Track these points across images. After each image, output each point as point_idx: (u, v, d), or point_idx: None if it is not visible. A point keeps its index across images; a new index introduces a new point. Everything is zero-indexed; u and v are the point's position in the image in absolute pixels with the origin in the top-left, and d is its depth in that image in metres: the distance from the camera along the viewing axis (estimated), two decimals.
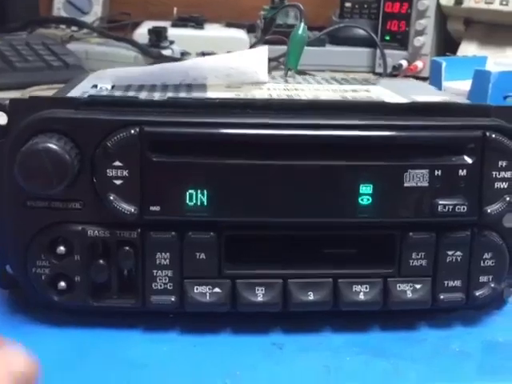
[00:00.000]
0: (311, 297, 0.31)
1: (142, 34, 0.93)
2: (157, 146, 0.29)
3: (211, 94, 0.34)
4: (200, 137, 0.29)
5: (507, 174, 0.30)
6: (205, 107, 0.30)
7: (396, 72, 0.91)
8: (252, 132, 0.29)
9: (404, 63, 0.91)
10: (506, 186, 0.31)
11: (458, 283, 0.32)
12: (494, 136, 0.30)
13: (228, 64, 0.37)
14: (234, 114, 0.30)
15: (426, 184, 0.30)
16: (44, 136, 0.28)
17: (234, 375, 0.28)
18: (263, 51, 0.37)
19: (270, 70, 0.40)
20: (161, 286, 0.30)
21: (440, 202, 0.30)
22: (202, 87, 0.37)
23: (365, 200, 0.30)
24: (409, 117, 0.31)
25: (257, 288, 0.31)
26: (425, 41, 0.92)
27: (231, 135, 0.29)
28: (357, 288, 0.31)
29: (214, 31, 1.02)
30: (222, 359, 0.30)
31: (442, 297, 0.32)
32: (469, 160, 0.30)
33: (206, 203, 0.29)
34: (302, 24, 0.43)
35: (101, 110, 0.29)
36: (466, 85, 0.61)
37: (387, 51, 0.89)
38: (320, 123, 0.30)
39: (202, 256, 0.30)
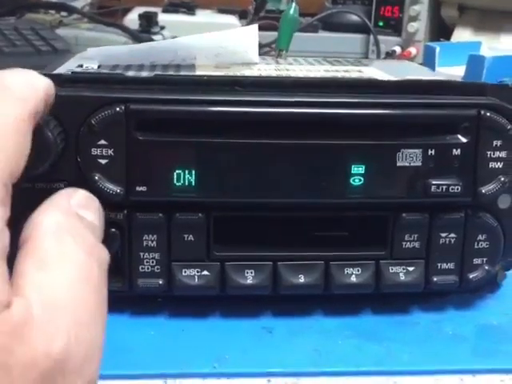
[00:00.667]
0: (302, 279, 0.30)
1: (132, 19, 0.91)
2: (143, 124, 0.28)
3: (200, 74, 0.33)
4: (187, 115, 0.28)
5: (502, 154, 0.30)
6: (192, 84, 0.29)
7: (389, 58, 0.90)
8: (241, 110, 0.29)
9: (397, 49, 0.90)
10: (500, 166, 0.30)
11: (451, 265, 0.31)
12: (488, 115, 0.29)
13: (218, 43, 0.36)
14: (222, 91, 0.29)
15: (419, 164, 0.29)
16: None
17: (223, 359, 0.28)
18: (253, 30, 0.36)
19: (262, 55, 0.39)
20: (148, 268, 0.30)
21: (433, 182, 0.30)
22: (191, 67, 0.36)
23: (356, 180, 0.29)
24: (402, 95, 0.30)
25: (246, 270, 0.30)
26: (418, 27, 0.91)
27: (219, 113, 0.28)
28: (348, 270, 0.31)
29: (205, 17, 1.01)
30: (210, 343, 0.29)
31: (435, 279, 0.31)
32: (463, 139, 0.30)
33: (193, 183, 0.29)
34: (294, 4, 0.42)
35: (85, 87, 0.28)
36: (459, 70, 0.60)
37: (380, 37, 0.88)
38: (310, 101, 0.29)
39: (190, 238, 0.29)
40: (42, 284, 0.18)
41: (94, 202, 0.23)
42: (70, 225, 0.21)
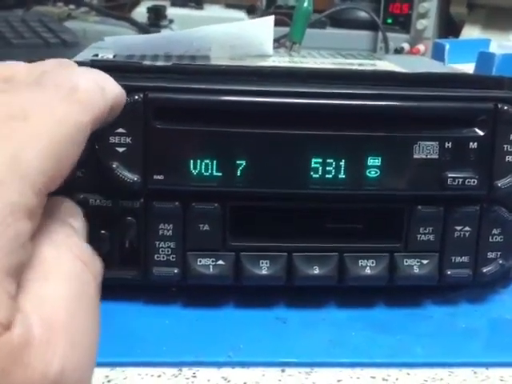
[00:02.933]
0: (316, 271, 0.30)
1: (140, 12, 0.91)
2: (161, 112, 0.28)
3: (217, 64, 0.33)
4: (205, 104, 0.28)
5: None
6: (211, 74, 0.29)
7: (400, 54, 0.90)
8: (258, 100, 0.29)
9: (406, 46, 0.90)
10: None
11: (465, 259, 0.31)
12: (506, 108, 0.29)
13: (233, 34, 0.36)
14: (239, 81, 0.29)
15: (435, 156, 0.29)
16: None
17: (237, 348, 0.28)
18: (269, 22, 0.36)
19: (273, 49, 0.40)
20: (163, 257, 0.30)
21: (449, 175, 0.30)
22: (206, 58, 0.36)
23: (372, 172, 0.29)
24: (419, 87, 0.30)
25: (261, 261, 0.30)
26: (427, 24, 0.91)
27: (237, 103, 0.28)
28: (363, 263, 0.31)
29: (213, 12, 1.01)
30: (225, 333, 0.29)
31: (449, 273, 0.31)
32: (480, 132, 0.30)
33: (210, 173, 0.29)
34: None
35: None
36: (469, 68, 0.60)
37: (389, 34, 0.88)
38: (327, 92, 0.29)
39: (206, 227, 0.30)
40: (41, 296, 0.17)
41: (79, 210, 0.22)
42: (65, 235, 0.20)
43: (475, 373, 0.28)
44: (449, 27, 0.93)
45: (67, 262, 0.19)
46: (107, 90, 0.22)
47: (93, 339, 0.19)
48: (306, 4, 0.42)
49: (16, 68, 0.22)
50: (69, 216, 0.21)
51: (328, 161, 0.29)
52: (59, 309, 0.18)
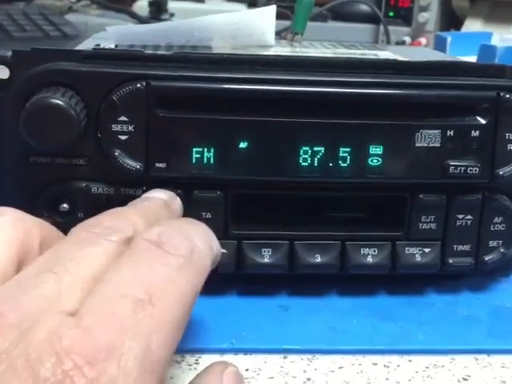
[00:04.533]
0: (318, 259, 0.30)
1: (141, 5, 0.91)
2: (163, 100, 0.28)
3: (220, 52, 0.33)
4: (208, 92, 0.28)
5: None
6: (213, 62, 0.29)
7: (402, 45, 0.89)
8: (260, 88, 0.29)
9: (407, 39, 0.90)
10: None
11: (467, 247, 0.31)
12: (508, 96, 0.29)
13: (235, 24, 0.36)
14: (242, 69, 0.29)
15: (437, 144, 0.29)
16: (49, 90, 0.27)
17: (240, 336, 0.28)
18: (271, 11, 0.36)
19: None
20: None
21: (451, 163, 0.30)
22: (207, 48, 0.36)
23: (374, 161, 0.29)
24: (421, 76, 0.30)
25: (263, 249, 0.30)
26: (429, 17, 0.90)
27: (239, 91, 0.28)
28: (365, 251, 0.31)
29: (214, 5, 1.01)
30: (227, 320, 0.29)
31: (450, 261, 0.31)
32: (482, 121, 0.30)
33: (212, 161, 0.29)
34: None
35: (106, 63, 0.28)
36: (470, 61, 0.60)
37: (390, 27, 0.88)
38: (330, 80, 0.29)
39: (208, 215, 0.30)
40: None
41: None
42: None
43: (477, 359, 0.28)
44: (451, 20, 0.93)
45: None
46: (214, 249, 0.22)
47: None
48: None
49: (133, 219, 0.22)
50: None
51: (330, 149, 0.29)
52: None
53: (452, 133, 0.29)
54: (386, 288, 0.32)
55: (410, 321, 0.30)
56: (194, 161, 0.29)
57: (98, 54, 0.29)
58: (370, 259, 0.31)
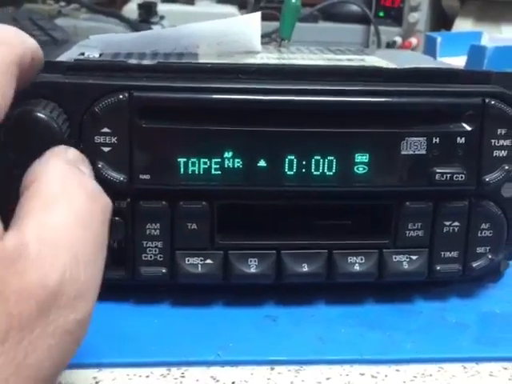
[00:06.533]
0: (305, 268, 0.30)
1: (131, 9, 0.91)
2: (146, 111, 0.28)
3: (203, 61, 0.33)
4: (191, 102, 0.28)
5: (506, 142, 0.30)
6: (196, 72, 0.29)
7: (390, 49, 0.89)
8: (244, 97, 0.28)
9: (398, 40, 0.90)
10: (505, 155, 0.30)
11: (454, 254, 0.31)
12: (493, 103, 0.29)
13: (220, 31, 0.36)
14: (225, 79, 0.29)
15: (423, 152, 0.29)
16: (29, 103, 0.27)
17: (227, 347, 0.28)
18: (256, 18, 0.36)
19: (262, 45, 0.39)
20: (151, 257, 0.30)
21: (438, 171, 0.29)
22: (193, 56, 0.36)
23: (361, 169, 0.29)
24: (406, 83, 0.30)
25: (250, 259, 0.30)
26: (419, 17, 0.91)
27: (223, 101, 0.28)
28: (352, 259, 0.31)
29: (204, 7, 1.00)
30: (214, 332, 0.29)
31: (438, 268, 0.31)
32: (467, 127, 0.30)
33: (197, 171, 0.29)
34: None
35: (88, 74, 0.28)
36: (461, 61, 0.60)
37: (381, 28, 0.88)
38: (314, 89, 0.29)
39: (194, 226, 0.29)
40: (42, 223, 0.19)
41: (86, 160, 0.25)
42: (73, 172, 0.22)
43: (465, 368, 0.28)
44: (441, 20, 0.93)
45: (74, 194, 0.21)
46: (25, 38, 0.23)
47: (95, 262, 0.20)
48: (294, 0, 0.42)
49: None
50: (76, 161, 0.23)
51: (316, 158, 0.29)
52: (59, 232, 0.19)
53: (438, 140, 0.29)
54: (373, 296, 0.32)
55: (398, 329, 0.30)
56: (178, 172, 0.28)
57: (81, 66, 0.29)
58: (357, 267, 0.31)
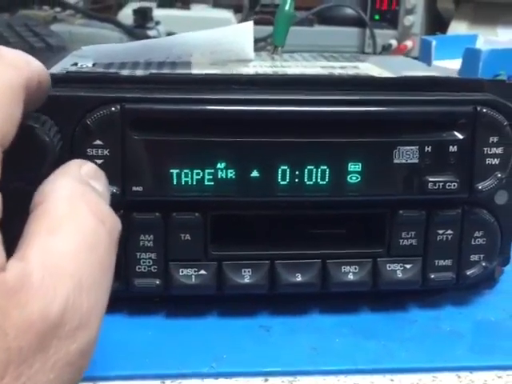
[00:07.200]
0: (299, 278, 0.30)
1: (126, 14, 0.91)
2: (139, 123, 0.28)
3: (196, 72, 0.33)
4: (183, 114, 0.28)
5: (499, 150, 0.30)
6: (188, 83, 0.29)
7: (386, 52, 0.90)
8: (237, 108, 0.28)
9: (394, 43, 0.90)
10: (497, 163, 0.30)
11: (448, 262, 0.31)
12: (485, 111, 0.29)
13: (213, 40, 0.36)
14: (218, 90, 0.29)
15: (415, 161, 0.29)
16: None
17: (221, 359, 0.28)
18: (249, 27, 0.36)
19: (257, 50, 0.39)
20: (145, 268, 0.30)
21: (430, 179, 0.29)
22: (187, 65, 0.36)
23: (353, 178, 0.29)
24: (398, 92, 0.30)
25: (243, 269, 0.30)
26: (415, 20, 0.91)
27: (216, 112, 0.28)
28: (346, 269, 0.31)
29: (200, 12, 1.01)
30: (208, 343, 0.29)
31: (432, 276, 0.31)
32: (460, 136, 0.30)
33: (190, 182, 0.28)
34: (289, 0, 0.42)
35: (80, 86, 0.28)
36: (456, 64, 0.60)
37: (377, 31, 0.88)
38: (306, 99, 0.29)
39: (187, 237, 0.29)
40: (47, 248, 0.18)
41: (102, 174, 0.24)
42: (83, 192, 0.21)
43: (459, 377, 0.28)
44: (436, 23, 0.93)
45: (81, 215, 0.20)
46: (31, 61, 0.22)
47: (100, 289, 0.19)
48: (287, 7, 0.42)
49: None
50: (89, 177, 0.23)
51: (309, 167, 0.29)
52: (65, 258, 0.18)
53: (430, 149, 0.29)
54: (367, 305, 0.32)
55: (393, 338, 0.30)
56: (171, 183, 0.28)
57: (72, 78, 0.29)
58: (351, 277, 0.31)
